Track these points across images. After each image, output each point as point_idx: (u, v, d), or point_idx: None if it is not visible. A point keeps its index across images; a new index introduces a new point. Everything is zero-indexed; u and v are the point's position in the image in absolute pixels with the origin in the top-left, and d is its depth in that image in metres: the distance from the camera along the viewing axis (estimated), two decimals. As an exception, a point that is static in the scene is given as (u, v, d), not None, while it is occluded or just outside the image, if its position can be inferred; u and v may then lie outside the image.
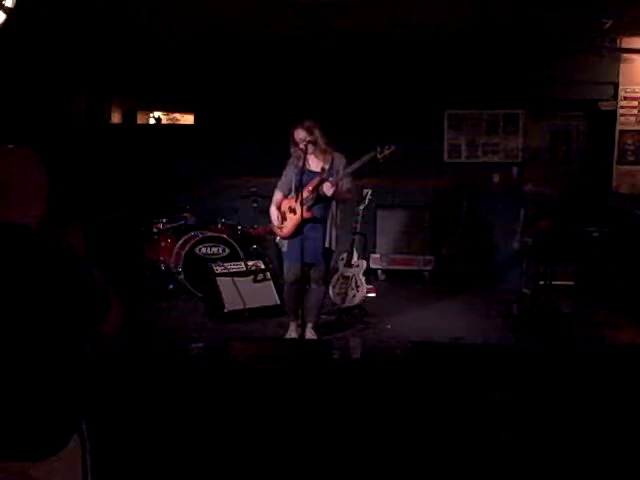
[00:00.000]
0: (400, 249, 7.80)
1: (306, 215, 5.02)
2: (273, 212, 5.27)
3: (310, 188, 5.04)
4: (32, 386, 1.91)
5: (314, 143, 5.00)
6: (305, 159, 4.99)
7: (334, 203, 5.16)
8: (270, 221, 5.39)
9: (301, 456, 3.49)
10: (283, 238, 5.26)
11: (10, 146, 2.05)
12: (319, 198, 5.09)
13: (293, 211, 5.15)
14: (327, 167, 5.11)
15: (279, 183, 5.32)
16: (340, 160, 5.15)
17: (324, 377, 4.13)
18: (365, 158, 5.05)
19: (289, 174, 5.24)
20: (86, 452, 2.03)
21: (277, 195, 5.29)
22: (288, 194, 5.26)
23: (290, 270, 5.27)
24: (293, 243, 5.16)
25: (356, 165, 5.06)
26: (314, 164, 5.10)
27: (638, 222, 6.24)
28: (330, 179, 5.02)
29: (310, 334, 5.32)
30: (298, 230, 5.08)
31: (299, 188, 4.97)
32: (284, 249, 5.30)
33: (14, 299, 1.87)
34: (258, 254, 6.87)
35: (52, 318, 1.89)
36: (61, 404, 1.95)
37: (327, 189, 5.01)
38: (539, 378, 3.92)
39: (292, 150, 5.18)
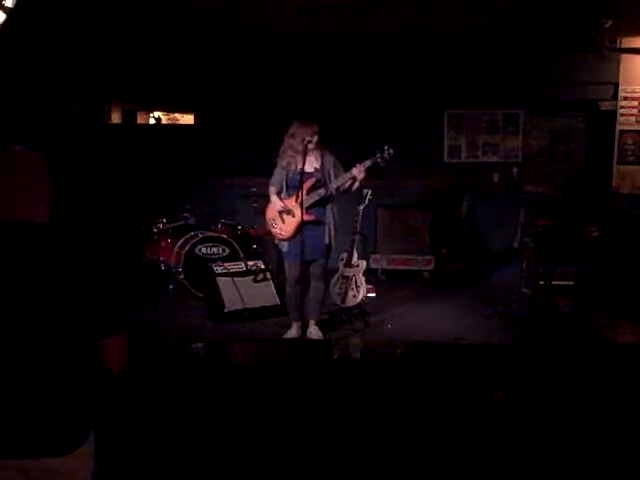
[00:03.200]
0: (400, 249, 7.80)
1: (307, 218, 5.02)
2: (271, 214, 5.27)
3: (306, 189, 5.02)
4: (56, 384, 1.93)
5: (317, 143, 5.02)
6: (304, 159, 4.99)
7: (332, 202, 5.18)
8: (265, 221, 5.40)
9: (301, 456, 3.49)
10: (283, 240, 5.27)
11: (19, 147, 2.05)
12: (319, 200, 5.11)
13: (291, 213, 5.14)
14: (319, 167, 5.11)
15: (271, 181, 5.29)
16: (329, 158, 5.16)
17: (324, 377, 4.13)
18: (367, 163, 5.07)
19: (280, 173, 5.23)
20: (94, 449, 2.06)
21: (273, 195, 5.27)
22: (280, 193, 5.26)
23: (291, 269, 5.29)
24: (293, 242, 5.17)
25: (356, 170, 5.06)
26: (307, 164, 5.05)
27: (638, 222, 6.24)
28: (358, 166, 5.03)
29: (315, 330, 5.34)
30: (298, 231, 5.09)
31: (299, 189, 4.97)
32: (284, 249, 5.31)
33: (33, 297, 1.88)
34: (258, 254, 6.87)
35: (78, 317, 1.91)
36: (83, 401, 1.98)
37: (358, 173, 5.03)
38: (539, 378, 3.92)
39: (285, 148, 5.15)
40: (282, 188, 5.25)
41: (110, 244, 2.03)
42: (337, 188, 5.14)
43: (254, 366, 4.16)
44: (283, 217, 5.20)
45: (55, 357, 1.92)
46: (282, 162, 5.20)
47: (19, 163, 2.01)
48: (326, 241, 5.16)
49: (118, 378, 2.08)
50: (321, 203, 5.14)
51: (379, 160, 5.10)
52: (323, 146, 5.13)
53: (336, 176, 5.13)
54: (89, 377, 1.99)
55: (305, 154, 4.96)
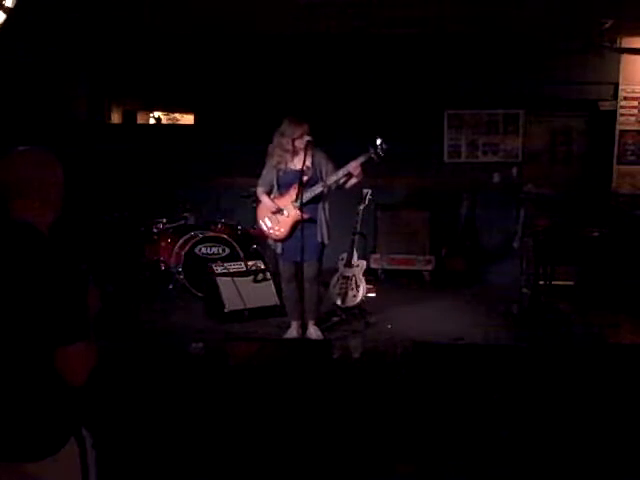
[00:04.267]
0: (400, 249, 7.80)
1: (303, 217, 5.01)
2: (263, 215, 5.25)
3: (299, 188, 4.98)
4: (23, 389, 1.90)
5: (312, 143, 5.00)
6: (305, 158, 4.98)
7: (323, 200, 5.17)
8: (258, 223, 5.37)
9: (301, 456, 3.49)
10: (277, 241, 5.26)
11: (25, 147, 2.04)
12: (314, 198, 5.10)
13: (284, 213, 5.13)
14: (310, 164, 5.09)
15: (260, 181, 5.28)
16: (320, 155, 5.13)
17: (324, 377, 4.13)
18: (362, 159, 5.05)
19: (270, 172, 5.21)
20: (86, 456, 2.03)
21: (263, 196, 5.25)
22: (269, 193, 5.25)
23: (286, 269, 5.28)
24: (288, 243, 5.17)
25: (352, 165, 5.05)
26: (299, 163, 5.02)
27: (638, 222, 6.23)
28: (353, 162, 5.01)
29: (314, 330, 5.32)
30: (294, 230, 5.08)
31: (298, 187, 4.96)
32: (278, 250, 5.29)
33: (13, 300, 1.87)
34: (258, 254, 6.87)
35: (37, 323, 1.88)
36: (53, 407, 1.95)
37: (354, 169, 4.99)
38: (539, 378, 3.92)
39: (274, 146, 5.13)
40: (272, 188, 5.23)
41: (71, 251, 1.98)
42: (331, 184, 5.13)
43: (254, 366, 4.16)
44: (276, 217, 5.18)
45: (16, 361, 1.89)
46: (272, 161, 5.17)
47: (27, 162, 2.00)
48: (319, 239, 5.14)
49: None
50: (314, 201, 5.12)
51: (373, 155, 5.05)
52: (313, 144, 5.08)
53: (329, 173, 5.11)
54: (54, 383, 1.93)
55: (299, 153, 4.95)
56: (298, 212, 4.97)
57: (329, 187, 5.12)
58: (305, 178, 5.00)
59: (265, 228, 5.28)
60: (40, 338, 1.88)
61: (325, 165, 5.12)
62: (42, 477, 1.92)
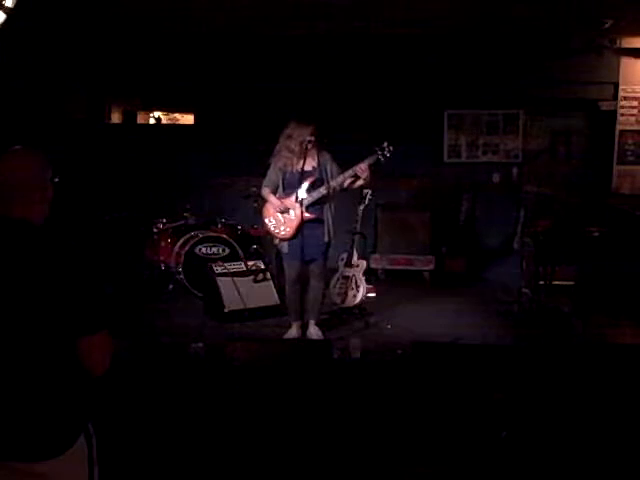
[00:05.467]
0: (400, 249, 7.79)
1: (308, 216, 5.02)
2: (270, 214, 5.26)
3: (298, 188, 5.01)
4: (38, 387, 1.92)
5: (316, 142, 5.01)
6: (304, 159, 4.99)
7: (329, 200, 5.18)
8: (263, 222, 5.39)
9: (301, 456, 3.49)
10: (283, 240, 5.27)
11: (17, 147, 2.07)
12: (320, 198, 5.11)
13: (291, 212, 5.14)
14: (316, 165, 5.11)
15: (265, 181, 5.30)
16: (325, 156, 5.16)
17: (324, 377, 4.13)
18: (369, 161, 5.07)
19: (276, 174, 5.22)
20: (92, 452, 2.04)
21: (270, 195, 5.26)
22: (274, 193, 5.26)
23: (291, 268, 5.29)
24: (293, 242, 5.17)
25: (359, 168, 5.06)
26: (306, 163, 5.04)
27: (638, 222, 6.23)
28: (360, 164, 5.02)
29: (314, 330, 5.34)
30: (299, 230, 5.09)
31: (299, 188, 4.98)
32: (284, 250, 5.30)
33: (20, 296, 1.88)
34: (258, 254, 6.87)
35: (56, 318, 1.90)
36: (67, 404, 1.96)
37: (362, 171, 5.02)
38: (539, 378, 3.92)
39: (281, 148, 5.14)
40: (277, 189, 5.25)
41: (86, 244, 2.02)
42: (338, 185, 5.15)
43: (254, 366, 4.16)
44: (283, 217, 5.20)
45: (31, 358, 1.90)
46: (278, 163, 5.19)
47: (19, 162, 2.03)
48: (325, 239, 5.18)
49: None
50: (320, 202, 5.15)
51: (380, 157, 5.10)
52: (319, 145, 5.11)
53: (334, 174, 5.14)
54: (68, 380, 1.96)
55: (305, 154, 4.96)
56: (304, 212, 4.99)
57: (334, 189, 5.13)
58: (312, 178, 5.04)
59: (271, 227, 5.29)
60: (61, 330, 1.91)
61: (330, 166, 5.15)
62: (51, 475, 1.93)
